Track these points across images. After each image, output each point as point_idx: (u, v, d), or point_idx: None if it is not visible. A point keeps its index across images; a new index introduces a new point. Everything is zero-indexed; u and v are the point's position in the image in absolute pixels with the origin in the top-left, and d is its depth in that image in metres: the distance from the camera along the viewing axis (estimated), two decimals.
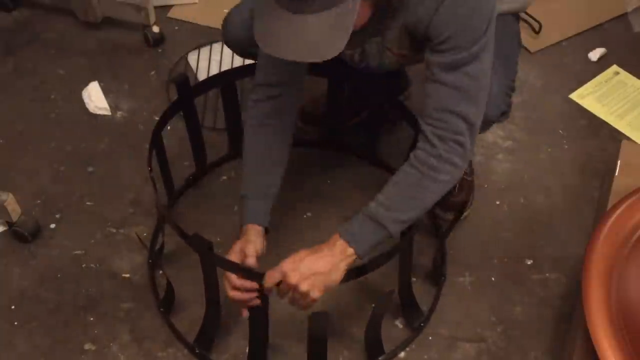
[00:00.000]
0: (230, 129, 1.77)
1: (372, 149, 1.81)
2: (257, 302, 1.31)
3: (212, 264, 1.31)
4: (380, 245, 1.28)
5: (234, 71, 1.67)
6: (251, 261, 1.32)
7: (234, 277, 1.29)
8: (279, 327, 1.47)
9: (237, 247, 1.34)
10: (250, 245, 1.33)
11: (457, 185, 1.68)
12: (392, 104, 1.64)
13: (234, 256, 1.32)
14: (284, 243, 1.58)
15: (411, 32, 1.26)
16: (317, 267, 1.23)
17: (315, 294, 1.23)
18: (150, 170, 1.43)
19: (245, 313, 1.35)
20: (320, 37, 1.07)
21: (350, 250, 1.24)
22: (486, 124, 1.41)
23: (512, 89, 1.47)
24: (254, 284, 1.28)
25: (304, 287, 1.22)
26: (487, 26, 1.19)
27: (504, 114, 1.46)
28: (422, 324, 1.51)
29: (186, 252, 1.57)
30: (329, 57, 1.09)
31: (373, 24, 1.21)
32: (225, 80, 1.65)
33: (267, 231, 1.39)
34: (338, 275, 1.24)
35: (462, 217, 1.64)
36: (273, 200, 1.41)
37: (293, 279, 1.22)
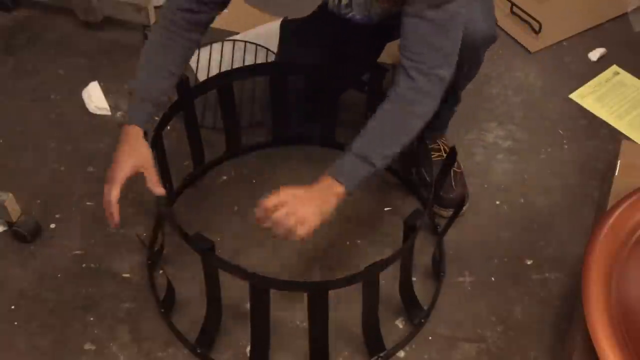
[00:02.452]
0: (228, 128, 1.77)
1: None
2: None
3: (214, 264, 1.31)
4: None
5: (233, 72, 1.67)
6: (152, 172, 1.37)
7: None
8: (281, 325, 1.47)
9: (124, 158, 1.35)
10: (140, 157, 1.36)
11: (453, 182, 1.68)
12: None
13: (127, 170, 1.34)
14: (283, 242, 1.57)
15: None
16: (309, 198, 1.26)
17: (310, 215, 1.25)
18: None
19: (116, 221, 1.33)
20: None
21: (339, 186, 1.28)
22: (475, 47, 1.46)
23: (494, 18, 1.52)
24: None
25: (301, 212, 1.24)
26: None
27: (489, 37, 1.49)
28: (422, 320, 1.51)
29: (186, 252, 1.57)
30: (307, 13, 1.11)
31: None
32: (224, 81, 1.65)
33: (145, 135, 1.40)
34: (328, 207, 1.27)
35: (460, 213, 1.65)
36: (160, 108, 1.44)
37: (291, 206, 1.24)
